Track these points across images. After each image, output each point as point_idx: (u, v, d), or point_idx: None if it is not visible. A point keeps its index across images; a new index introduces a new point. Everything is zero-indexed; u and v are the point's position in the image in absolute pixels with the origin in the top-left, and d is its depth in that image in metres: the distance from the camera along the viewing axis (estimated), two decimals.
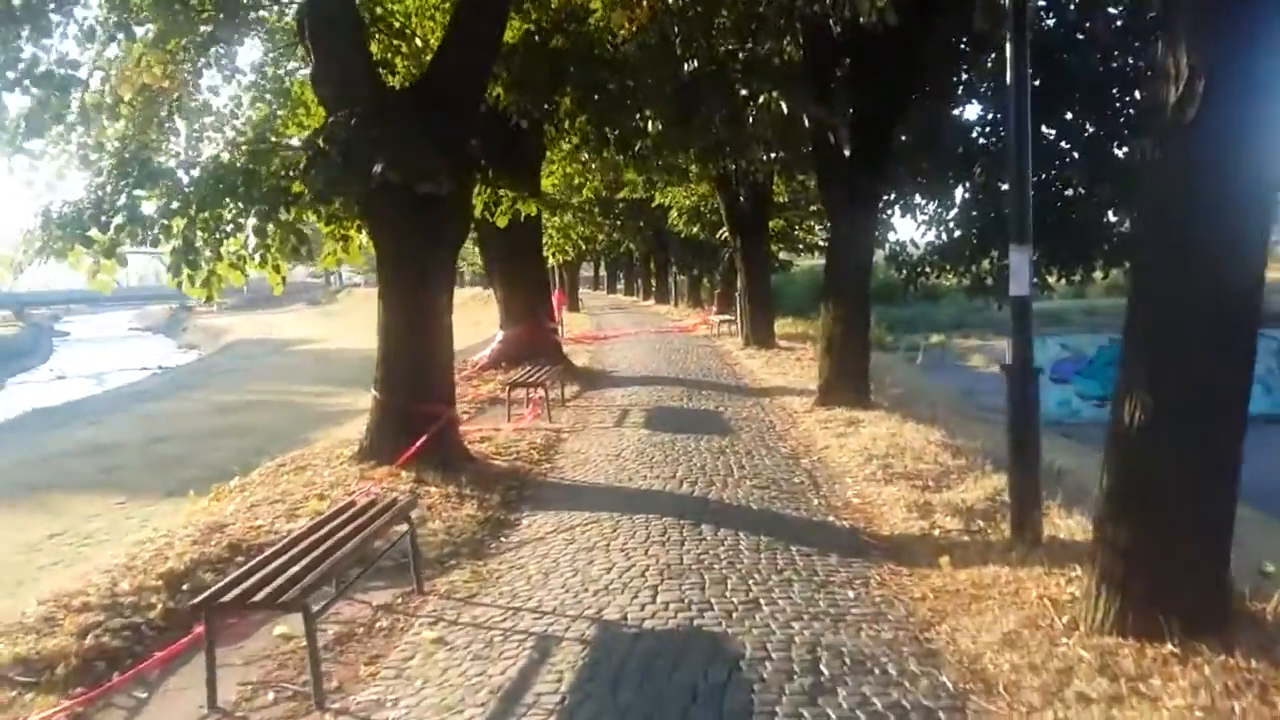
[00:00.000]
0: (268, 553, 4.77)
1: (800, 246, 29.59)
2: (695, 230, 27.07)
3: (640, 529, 6.71)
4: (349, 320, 64.32)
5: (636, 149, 12.38)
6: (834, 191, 12.45)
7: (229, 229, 8.42)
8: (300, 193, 8.24)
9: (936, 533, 6.61)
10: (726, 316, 24.18)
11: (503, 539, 6.87)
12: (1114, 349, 16.64)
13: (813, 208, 23.69)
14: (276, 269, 9.58)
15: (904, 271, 13.17)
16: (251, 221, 8.63)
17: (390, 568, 6.07)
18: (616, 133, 11.63)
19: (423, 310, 8.73)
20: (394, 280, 8.71)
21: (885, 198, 12.85)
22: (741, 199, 21.39)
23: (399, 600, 5.67)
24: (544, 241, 28.35)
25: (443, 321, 8.89)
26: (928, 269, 13.30)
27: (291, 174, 8.28)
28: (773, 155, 14.99)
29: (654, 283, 43.15)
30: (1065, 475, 8.67)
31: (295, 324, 67.54)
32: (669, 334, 25.96)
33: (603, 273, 67.03)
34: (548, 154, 18.65)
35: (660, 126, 12.37)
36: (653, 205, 27.18)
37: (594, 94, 10.73)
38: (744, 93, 11.25)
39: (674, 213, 26.36)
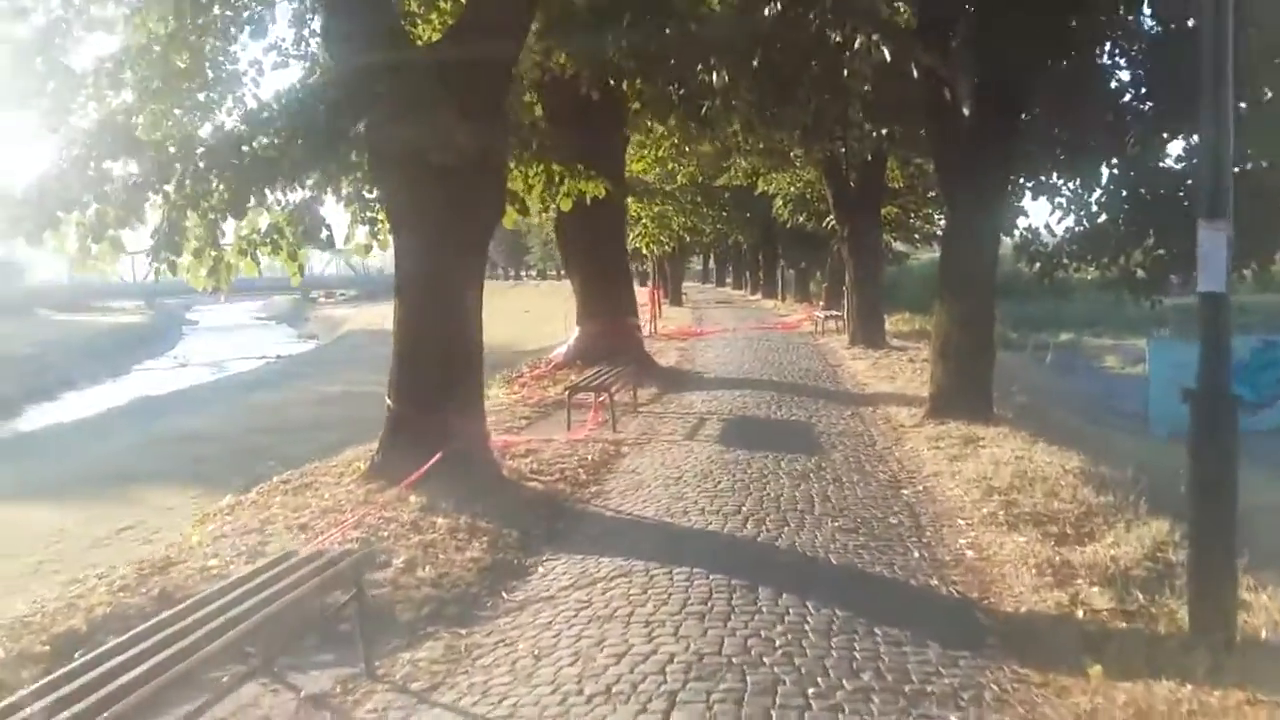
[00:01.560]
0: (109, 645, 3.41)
1: (917, 237, 27.19)
2: (802, 219, 25.18)
3: (678, 591, 5.15)
4: None
5: (704, 111, 10.70)
6: (951, 168, 10.57)
7: (223, 210, 7.21)
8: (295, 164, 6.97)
9: (1080, 613, 4.83)
10: (833, 312, 22.26)
11: (503, 596, 5.40)
12: (1271, 351, 14.44)
13: (931, 193, 21.51)
14: (293, 256, 8.39)
15: (1037, 264, 11.17)
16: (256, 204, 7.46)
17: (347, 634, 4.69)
18: (681, 90, 9.98)
19: (444, 301, 7.36)
20: (409, 265, 7.36)
21: (1014, 177, 10.87)
22: (851, 184, 19.49)
23: (337, 688, 4.26)
24: (636, 232, 27.08)
25: (468, 317, 7.48)
26: (1066, 260, 11.26)
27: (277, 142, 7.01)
28: (883, 132, 13.13)
29: (762, 276, 41.24)
30: (1260, 515, 6.65)
31: None
32: (770, 331, 24.17)
33: (712, 265, 65.28)
34: (633, 136, 17.22)
35: (733, 82, 10.63)
36: (757, 194, 25.40)
37: (650, 44, 9.08)
38: (837, 38, 9.46)
39: (779, 201, 24.52)
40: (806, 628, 4.61)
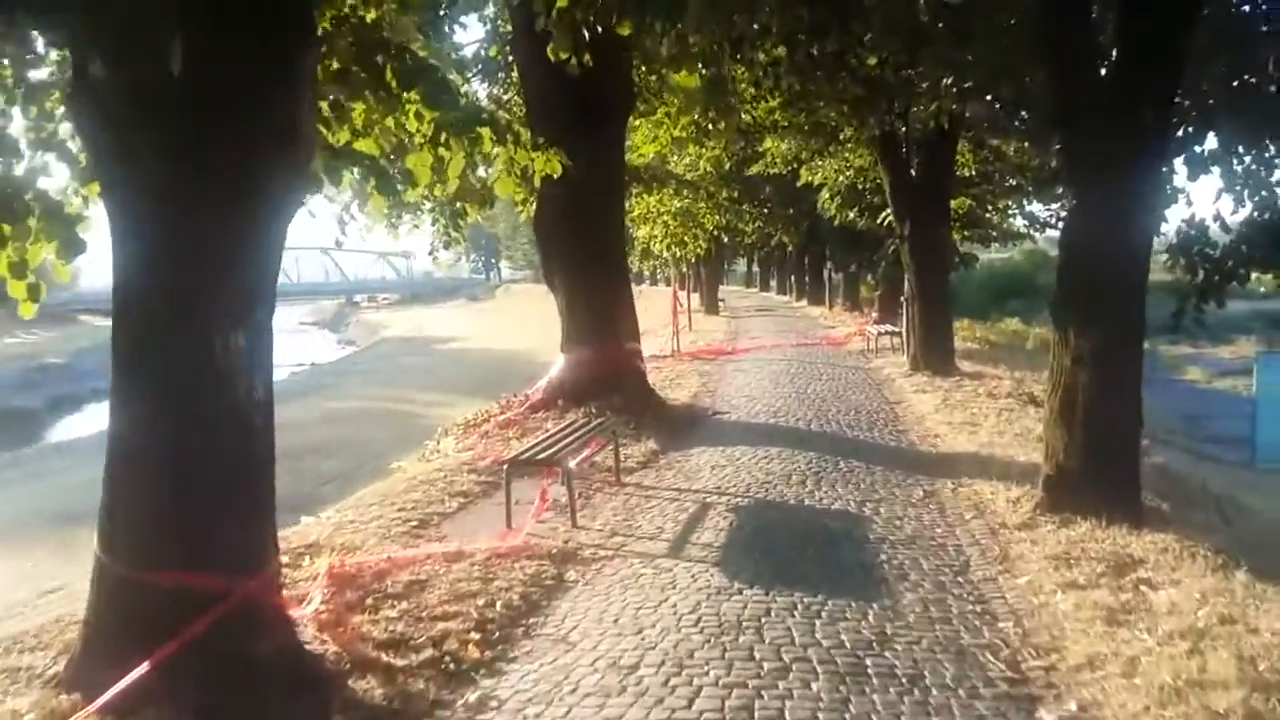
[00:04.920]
0: None
1: (994, 234, 23.15)
2: (852, 215, 21.51)
3: None
4: (498, 318, 62.66)
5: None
6: (1078, 129, 6.97)
7: None
8: None
9: None
10: (888, 328, 18.55)
11: None
12: None
13: (1011, 181, 17.70)
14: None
15: (1202, 272, 7.53)
16: None
17: None
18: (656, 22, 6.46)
19: (198, 337, 3.98)
20: (133, 273, 4.01)
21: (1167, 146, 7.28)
22: (912, 170, 15.84)
23: None
24: (652, 231, 23.55)
25: (246, 371, 4.08)
26: (1242, 267, 7.61)
27: None
28: (966, 86, 9.53)
29: (807, 281, 37.39)
30: None
31: (449, 321, 68.12)
32: (815, 348, 20.50)
33: (755, 269, 61.41)
34: (640, 107, 13.80)
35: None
36: (799, 185, 21.75)
37: None
38: None
39: (825, 193, 20.87)
40: None
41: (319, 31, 4.74)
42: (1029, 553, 6.10)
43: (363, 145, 6.38)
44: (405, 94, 5.60)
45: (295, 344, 65.18)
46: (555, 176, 8.19)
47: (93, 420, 32.35)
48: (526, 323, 44.07)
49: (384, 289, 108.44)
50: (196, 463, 3.99)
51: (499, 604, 5.34)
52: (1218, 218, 7.72)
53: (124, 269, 3.99)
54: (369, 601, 5.36)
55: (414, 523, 7.28)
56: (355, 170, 5.43)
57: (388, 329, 70.24)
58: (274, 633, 4.24)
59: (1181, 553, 5.88)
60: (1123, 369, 6.81)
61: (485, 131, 6.74)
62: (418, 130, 6.31)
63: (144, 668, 3.69)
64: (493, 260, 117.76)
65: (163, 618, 3.92)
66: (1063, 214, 19.69)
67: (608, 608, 5.35)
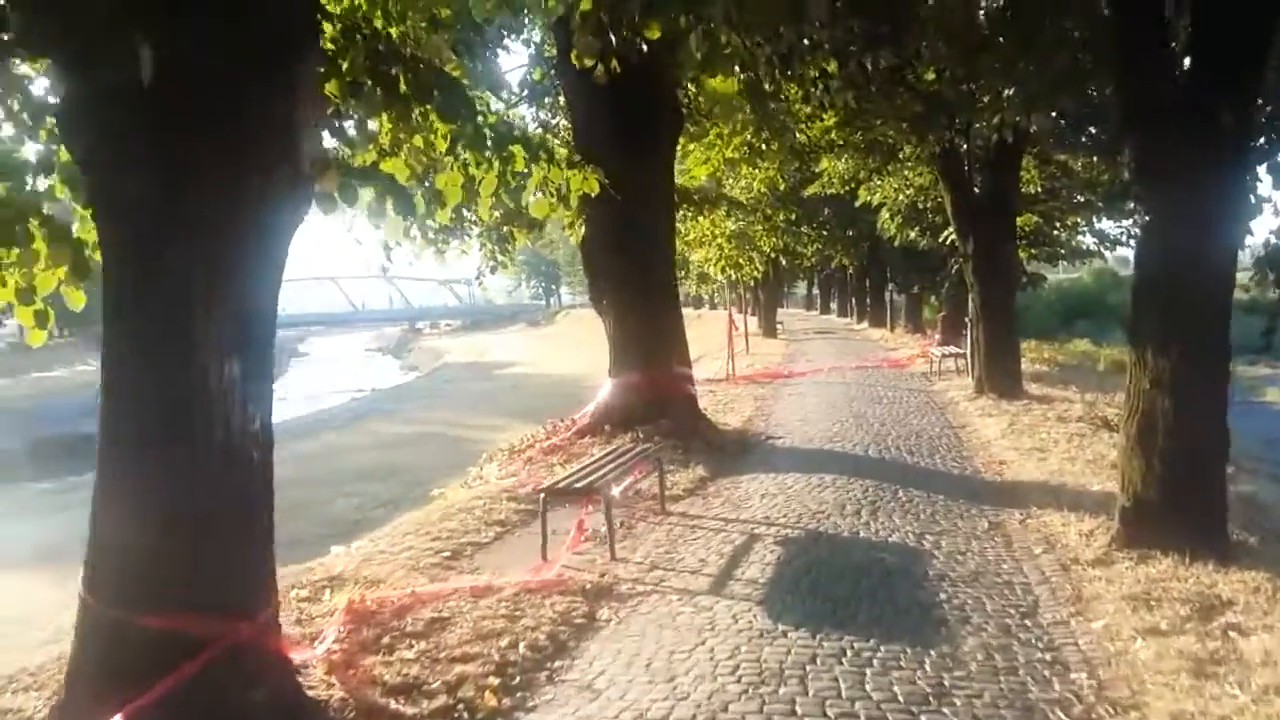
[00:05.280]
0: None
1: (1062, 252, 22.24)
2: (913, 235, 20.89)
3: None
4: (557, 342, 62.86)
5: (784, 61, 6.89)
6: (1150, 135, 6.47)
7: None
8: None
9: None
10: (952, 349, 17.87)
11: None
12: None
13: (1079, 197, 16.96)
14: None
15: None
16: None
17: None
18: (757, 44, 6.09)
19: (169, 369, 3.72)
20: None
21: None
22: (975, 188, 15.25)
23: None
24: (707, 254, 23.14)
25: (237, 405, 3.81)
26: None
27: None
28: (1027, 96, 9.02)
29: (869, 302, 36.60)
30: None
31: (509, 346, 68.76)
32: (876, 370, 19.89)
33: (815, 291, 60.55)
34: (692, 130, 13.52)
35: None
36: (858, 205, 21.21)
37: None
38: None
39: (884, 213, 20.29)
40: None
41: (322, 41, 4.51)
42: (1104, 592, 5.56)
43: (389, 165, 6.17)
44: (420, 106, 5.32)
45: (359, 370, 66.37)
46: (599, 198, 7.91)
47: None
48: (585, 347, 43.88)
49: (446, 315, 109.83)
50: (186, 498, 3.72)
51: (523, 645, 4.99)
52: None
53: (114, 290, 3.76)
54: (385, 640, 5.05)
55: (446, 553, 6.98)
56: (374, 190, 5.16)
57: (449, 354, 70.84)
58: (269, 679, 3.93)
59: (1275, 593, 5.31)
60: (1207, 391, 6.24)
61: (517, 150, 6.47)
62: (440, 147, 6.06)
63: (118, 718, 3.40)
64: (553, 286, 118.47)
65: (150, 662, 3.64)
66: (1135, 230, 19.01)
67: (640, 650, 4.96)
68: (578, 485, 7.00)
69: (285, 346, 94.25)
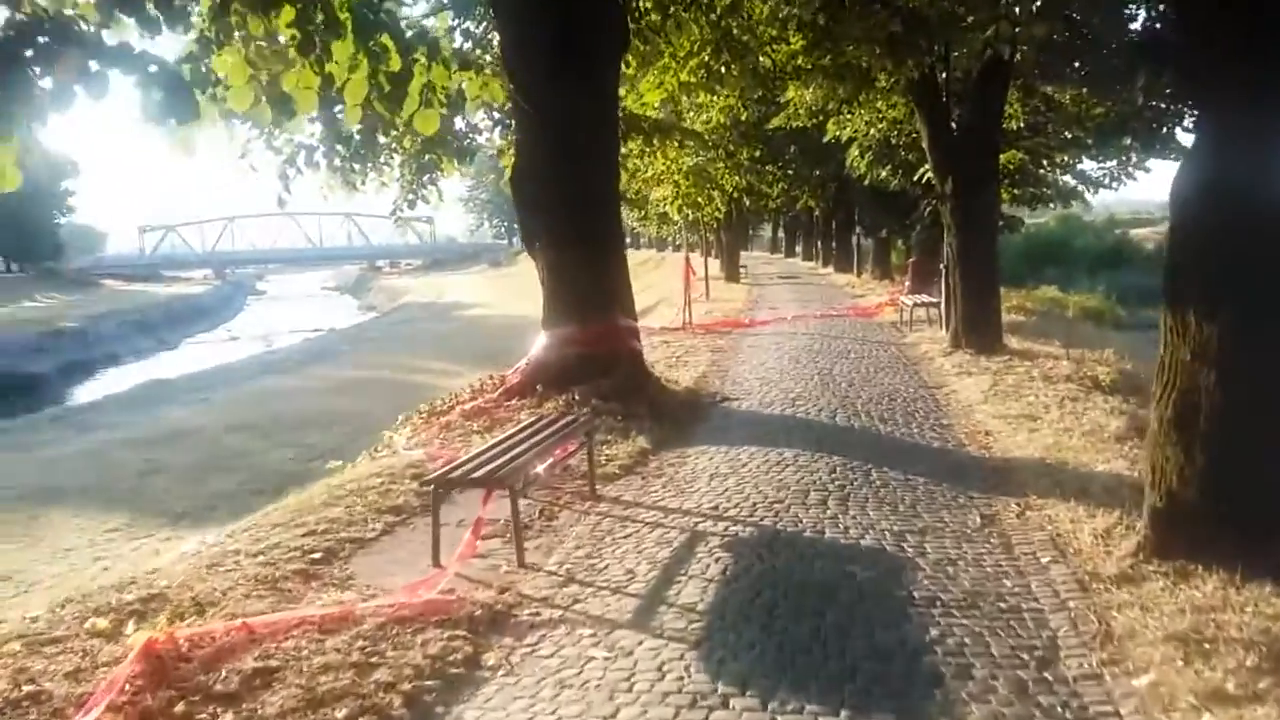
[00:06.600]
0: None
1: (1048, 193, 20.81)
2: (884, 174, 19.44)
3: None
4: (519, 283, 61.12)
5: None
6: (1216, 48, 5.06)
7: None
8: None
9: None
10: (925, 298, 16.58)
11: None
12: None
13: (1067, 134, 15.56)
14: None
15: None
16: None
17: None
18: None
19: None
20: None
21: None
22: (954, 122, 13.83)
23: None
24: (662, 193, 21.58)
25: None
26: None
27: None
28: (1035, 7, 7.57)
29: (834, 246, 35.21)
30: None
31: (469, 287, 67.63)
32: (841, 319, 18.58)
33: (781, 234, 59.04)
34: (640, 49, 11.95)
35: None
36: (826, 142, 19.69)
37: None
38: None
39: (854, 149, 18.80)
40: None
41: None
42: (1141, 627, 4.28)
43: (219, 63, 4.65)
44: None
45: (316, 310, 64.52)
46: (530, 123, 6.44)
47: (100, 387, 31.32)
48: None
49: (408, 254, 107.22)
50: None
51: (366, 717, 3.62)
52: None
53: None
54: (180, 709, 3.67)
55: (316, 555, 5.61)
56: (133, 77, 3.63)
57: (408, 295, 69.24)
58: None
59: None
60: (1265, 365, 4.94)
61: (387, 41, 4.93)
62: (284, 33, 4.52)
63: None
64: (515, 225, 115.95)
65: None
66: (1125, 172, 17.73)
67: None
68: (479, 474, 5.60)
69: (243, 284, 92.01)
